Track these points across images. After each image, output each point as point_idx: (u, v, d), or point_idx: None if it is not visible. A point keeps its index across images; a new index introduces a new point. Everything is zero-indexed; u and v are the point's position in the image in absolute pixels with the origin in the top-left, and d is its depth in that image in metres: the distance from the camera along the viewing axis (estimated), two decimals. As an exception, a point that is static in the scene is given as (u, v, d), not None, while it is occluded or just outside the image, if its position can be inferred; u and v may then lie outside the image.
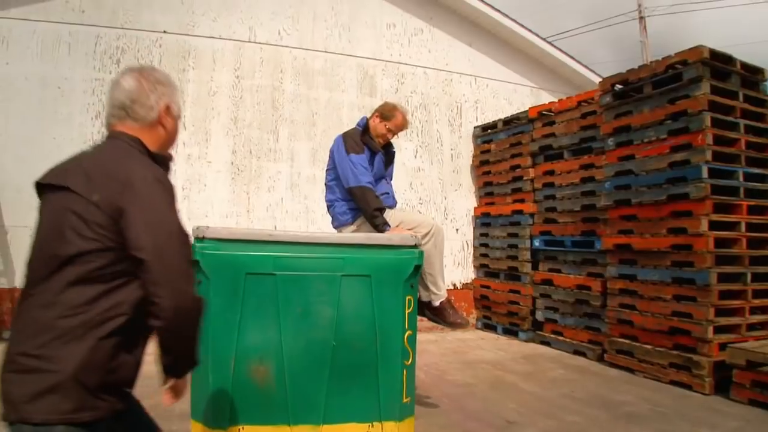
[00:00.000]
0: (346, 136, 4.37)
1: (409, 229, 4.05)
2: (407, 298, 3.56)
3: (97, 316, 1.63)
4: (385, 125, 4.43)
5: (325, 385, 3.37)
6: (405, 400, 3.53)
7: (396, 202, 4.64)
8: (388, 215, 4.18)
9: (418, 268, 3.62)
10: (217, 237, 3.35)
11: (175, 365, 1.88)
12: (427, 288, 4.16)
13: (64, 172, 1.76)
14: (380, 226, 4.04)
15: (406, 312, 3.55)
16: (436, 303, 4.24)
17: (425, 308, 4.25)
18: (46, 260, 1.67)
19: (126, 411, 1.78)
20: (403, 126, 4.54)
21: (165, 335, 1.74)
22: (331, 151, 4.46)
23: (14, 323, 1.71)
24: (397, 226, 4.09)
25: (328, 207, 4.53)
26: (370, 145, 4.40)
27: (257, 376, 3.29)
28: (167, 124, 1.94)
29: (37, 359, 1.59)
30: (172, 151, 2.07)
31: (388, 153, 4.69)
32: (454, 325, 4.33)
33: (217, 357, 3.23)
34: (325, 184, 4.55)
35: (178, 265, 1.68)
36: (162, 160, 1.91)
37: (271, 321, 3.24)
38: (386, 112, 4.46)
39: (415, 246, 3.65)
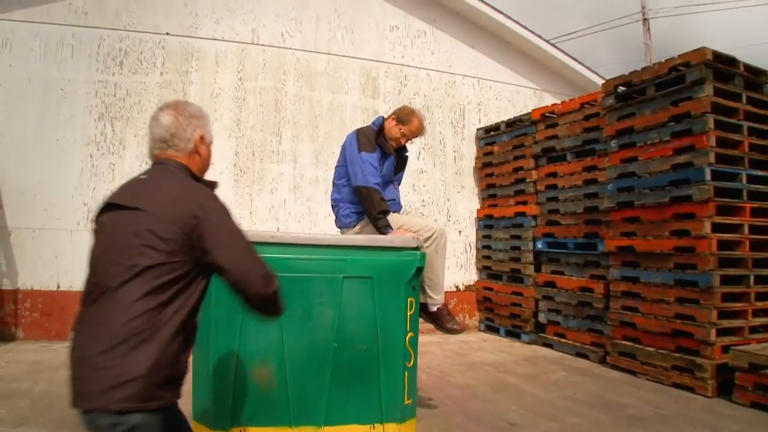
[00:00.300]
0: (359, 133, 4.30)
1: (412, 232, 4.04)
2: (409, 300, 3.56)
3: (165, 320, 1.89)
4: (400, 129, 4.37)
5: (326, 386, 3.37)
6: (406, 402, 3.53)
7: (401, 208, 4.61)
8: (391, 218, 4.16)
9: (420, 270, 3.62)
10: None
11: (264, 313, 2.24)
12: (424, 291, 4.12)
13: (133, 195, 2.02)
14: (383, 229, 4.03)
15: (408, 314, 3.55)
16: (433, 308, 4.20)
17: (422, 311, 4.21)
18: (119, 270, 1.88)
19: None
20: (418, 132, 4.47)
21: (257, 309, 2.17)
22: (343, 147, 4.39)
23: (84, 326, 1.94)
24: (399, 228, 4.08)
25: (333, 206, 4.48)
26: (383, 146, 4.35)
27: (259, 377, 3.29)
28: (202, 151, 2.25)
29: (114, 358, 1.81)
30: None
31: (401, 157, 4.64)
32: (450, 331, 4.28)
33: (219, 359, 3.24)
34: (333, 182, 4.49)
35: (253, 266, 2.07)
36: (209, 184, 2.24)
37: (272, 323, 3.24)
38: (403, 116, 4.40)
39: (417, 248, 3.66)
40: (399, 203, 4.54)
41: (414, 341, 3.60)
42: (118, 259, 1.90)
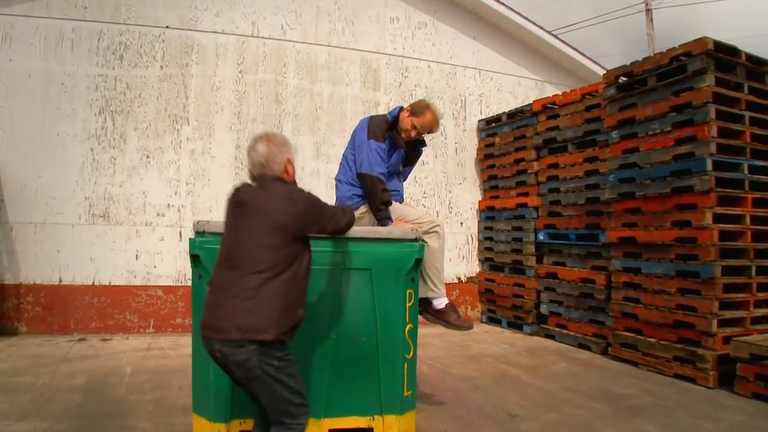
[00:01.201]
0: (371, 121, 4.29)
1: (412, 221, 4.04)
2: (408, 292, 3.56)
3: (286, 281, 2.65)
4: (412, 121, 4.31)
5: (326, 378, 3.38)
6: (406, 394, 3.53)
7: (403, 200, 4.58)
8: (393, 208, 4.15)
9: (418, 262, 3.61)
10: (217, 231, 3.35)
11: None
12: (428, 285, 4.11)
13: (254, 195, 2.80)
14: (383, 220, 4.03)
15: (407, 305, 3.55)
16: (441, 305, 4.16)
17: (426, 309, 4.19)
18: (255, 248, 2.64)
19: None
20: (430, 126, 4.39)
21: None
22: (354, 132, 4.37)
23: (224, 281, 2.65)
24: (398, 219, 4.07)
25: (337, 186, 4.44)
26: (395, 138, 4.32)
27: (258, 370, 3.29)
28: (289, 170, 2.90)
29: (256, 304, 2.55)
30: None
31: (415, 151, 4.61)
32: (458, 327, 4.23)
33: (218, 351, 3.23)
34: (341, 163, 4.45)
35: (342, 223, 3.04)
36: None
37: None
38: (417, 108, 4.35)
39: (416, 240, 3.65)
40: (401, 195, 4.51)
41: (413, 333, 3.60)
42: (255, 239, 2.66)
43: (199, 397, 3.38)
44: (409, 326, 3.56)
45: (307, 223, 2.77)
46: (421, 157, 8.38)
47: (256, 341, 2.51)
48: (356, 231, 3.58)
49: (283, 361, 2.63)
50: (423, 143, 4.65)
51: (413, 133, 4.36)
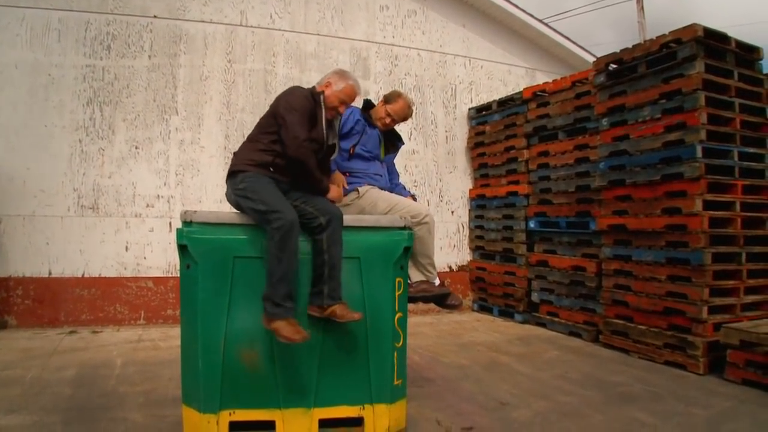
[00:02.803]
0: None
1: (401, 211, 4.03)
2: (397, 280, 3.55)
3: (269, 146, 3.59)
4: (386, 108, 4.44)
5: (315, 368, 3.37)
6: (396, 383, 3.53)
7: (388, 186, 4.57)
8: (381, 195, 4.17)
9: (407, 250, 3.61)
10: (204, 221, 3.35)
11: (307, 183, 3.63)
12: (419, 272, 4.13)
13: None
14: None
15: (396, 294, 3.55)
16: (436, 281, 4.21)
17: (416, 292, 4.20)
18: (256, 131, 3.76)
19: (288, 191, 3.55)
20: (402, 113, 4.49)
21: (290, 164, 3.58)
22: None
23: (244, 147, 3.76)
24: (389, 210, 4.06)
25: None
26: (368, 120, 4.43)
27: (247, 360, 3.29)
28: (326, 89, 3.81)
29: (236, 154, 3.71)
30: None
31: (392, 138, 4.68)
32: (450, 307, 4.32)
33: (206, 341, 3.23)
34: None
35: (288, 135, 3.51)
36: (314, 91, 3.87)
37: (260, 305, 3.23)
38: (389, 96, 4.50)
39: (405, 228, 3.64)
40: (386, 181, 4.51)
41: (403, 321, 3.59)
42: (258, 125, 3.78)
43: (188, 387, 3.37)
44: (398, 315, 3.56)
45: (276, 116, 3.59)
46: (412, 146, 8.48)
47: (228, 176, 3.63)
48: (344, 219, 3.56)
49: (246, 182, 3.44)
50: (400, 139, 4.76)
51: (388, 120, 4.47)
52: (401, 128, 5.01)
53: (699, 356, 5.11)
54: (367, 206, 4.15)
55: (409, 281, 3.96)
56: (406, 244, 3.56)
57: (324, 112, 3.73)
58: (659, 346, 5.50)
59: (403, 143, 4.86)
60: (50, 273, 6.86)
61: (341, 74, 3.90)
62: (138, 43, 7.33)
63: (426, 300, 4.22)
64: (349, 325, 3.40)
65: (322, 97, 3.76)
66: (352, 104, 4.14)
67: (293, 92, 3.72)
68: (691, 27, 5.40)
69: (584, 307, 6.69)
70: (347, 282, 3.40)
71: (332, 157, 4.05)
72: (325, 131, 3.74)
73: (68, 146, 6.99)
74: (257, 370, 3.30)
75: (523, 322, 7.61)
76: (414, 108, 4.77)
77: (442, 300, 4.23)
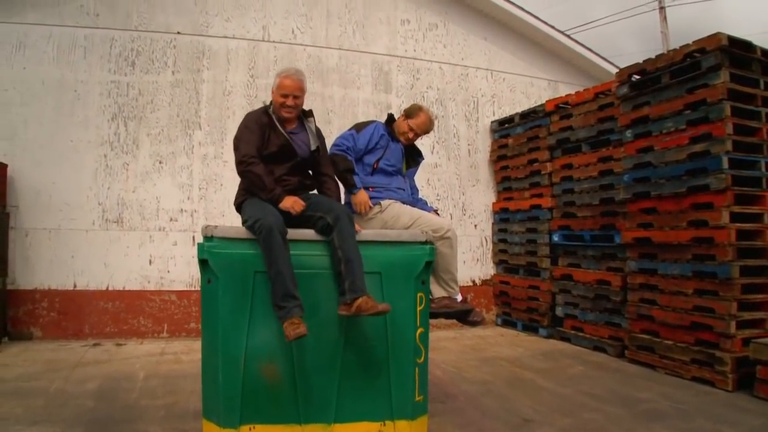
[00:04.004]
0: (357, 123, 4.54)
1: (423, 225, 3.99)
2: (418, 295, 3.53)
3: None
4: (408, 123, 4.45)
5: (335, 383, 3.35)
6: (418, 399, 3.50)
7: (411, 199, 4.54)
8: (403, 210, 4.15)
9: (429, 265, 3.59)
10: (225, 236, 3.36)
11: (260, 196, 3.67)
12: (440, 287, 4.07)
13: None
14: (348, 186, 4.18)
15: (418, 309, 3.52)
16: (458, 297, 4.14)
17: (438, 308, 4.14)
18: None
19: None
20: (424, 126, 4.51)
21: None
22: None
23: None
24: (411, 224, 4.02)
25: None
26: (391, 134, 4.45)
27: (267, 374, 3.28)
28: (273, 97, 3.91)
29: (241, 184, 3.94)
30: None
31: (412, 153, 4.67)
32: (472, 324, 4.22)
33: (227, 356, 3.23)
34: None
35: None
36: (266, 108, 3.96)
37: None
38: (410, 110, 4.52)
39: (426, 242, 3.62)
40: (409, 195, 4.49)
41: (424, 337, 3.56)
42: None
43: (209, 401, 3.37)
44: (420, 330, 3.53)
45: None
46: (434, 160, 8.45)
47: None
48: (366, 234, 3.56)
49: (244, 209, 3.67)
50: (420, 154, 4.75)
51: (411, 135, 4.48)
52: (422, 141, 5.04)
53: (727, 372, 4.99)
54: (390, 220, 4.12)
55: (431, 296, 3.92)
56: (427, 259, 3.54)
57: (276, 119, 3.83)
58: (686, 362, 5.39)
59: (423, 158, 4.85)
60: (75, 286, 6.94)
61: (277, 74, 3.96)
62: (162, 59, 7.43)
63: (447, 316, 4.16)
64: (370, 340, 3.38)
65: (271, 107, 3.89)
66: (375, 120, 4.23)
67: (244, 118, 3.91)
68: (715, 36, 5.33)
69: (609, 321, 6.58)
70: (368, 296, 3.38)
71: (348, 171, 4.14)
72: (289, 135, 3.83)
73: (93, 161, 7.09)
74: (277, 385, 3.29)
75: (548, 336, 7.52)
76: (436, 121, 4.76)
77: (463, 316, 4.17)
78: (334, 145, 4.25)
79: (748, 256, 5.28)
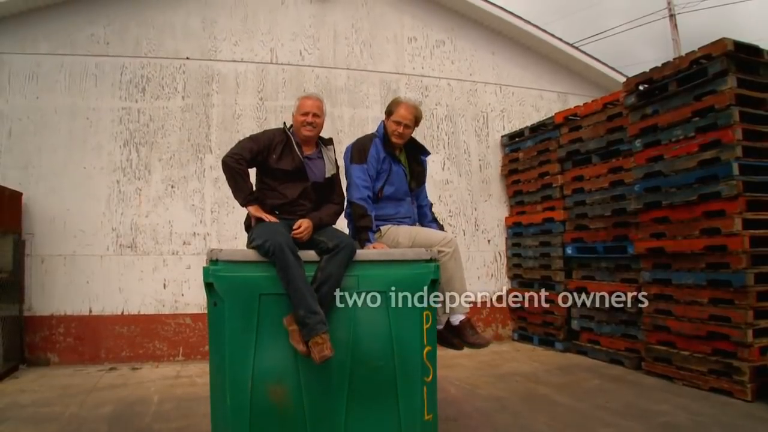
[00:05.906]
0: (354, 145, 4.21)
1: (423, 244, 3.91)
2: (425, 314, 3.51)
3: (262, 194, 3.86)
4: (392, 121, 4.16)
5: (343, 404, 3.34)
6: (426, 418, 3.47)
7: (416, 223, 4.39)
8: (400, 231, 4.08)
9: (434, 282, 3.56)
10: (230, 259, 3.37)
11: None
12: (444, 305, 3.90)
13: None
14: (361, 243, 3.89)
15: (424, 327, 3.50)
16: (456, 322, 3.97)
17: (443, 331, 4.04)
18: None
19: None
20: (408, 115, 4.16)
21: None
22: (344, 159, 4.28)
23: None
24: (411, 242, 3.94)
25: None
26: (391, 154, 4.21)
27: (275, 397, 3.28)
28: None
29: None
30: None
31: (420, 164, 4.44)
32: (473, 345, 4.02)
33: (234, 378, 3.23)
34: None
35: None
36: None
37: (287, 341, 3.23)
38: (388, 109, 4.24)
39: (431, 260, 3.60)
40: (414, 219, 4.35)
41: (432, 355, 3.54)
42: None
43: (218, 424, 3.37)
44: (427, 348, 3.51)
45: None
46: (446, 176, 8.43)
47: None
48: (370, 254, 3.55)
49: (252, 232, 3.68)
50: (423, 151, 4.49)
51: (400, 129, 4.15)
52: (433, 158, 4.87)
53: (746, 382, 4.91)
54: (390, 244, 4.01)
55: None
56: (432, 277, 3.52)
57: (294, 139, 3.87)
58: (704, 373, 5.30)
59: (428, 152, 4.57)
60: (90, 311, 7.00)
61: (297, 98, 4.04)
62: (171, 85, 7.53)
63: (441, 343, 3.94)
64: (376, 360, 3.37)
65: (291, 128, 3.95)
66: (373, 136, 4.16)
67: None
68: (721, 41, 5.30)
69: (625, 333, 6.50)
70: (374, 316, 3.37)
71: (366, 228, 3.97)
72: (304, 159, 3.85)
73: (106, 187, 7.18)
74: (285, 407, 3.28)
75: (564, 350, 7.44)
76: (419, 105, 4.47)
77: (462, 338, 4.04)
78: (356, 188, 4.04)
79: (763, 263, 5.20)
